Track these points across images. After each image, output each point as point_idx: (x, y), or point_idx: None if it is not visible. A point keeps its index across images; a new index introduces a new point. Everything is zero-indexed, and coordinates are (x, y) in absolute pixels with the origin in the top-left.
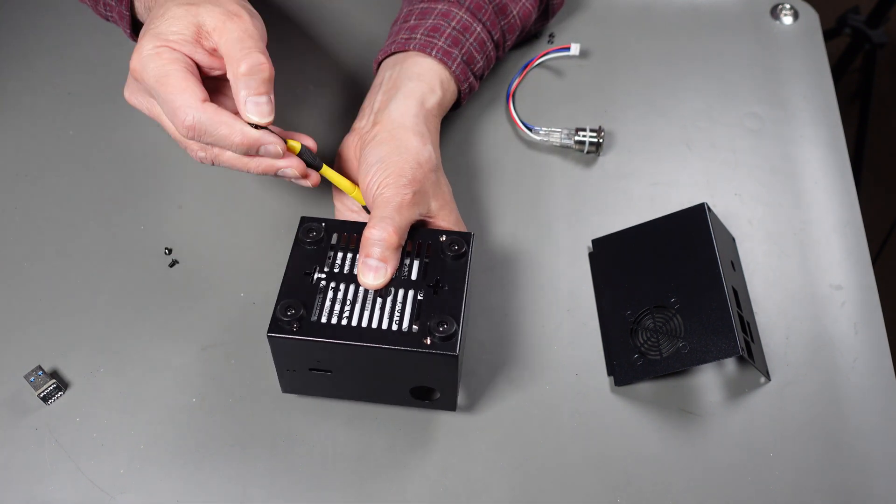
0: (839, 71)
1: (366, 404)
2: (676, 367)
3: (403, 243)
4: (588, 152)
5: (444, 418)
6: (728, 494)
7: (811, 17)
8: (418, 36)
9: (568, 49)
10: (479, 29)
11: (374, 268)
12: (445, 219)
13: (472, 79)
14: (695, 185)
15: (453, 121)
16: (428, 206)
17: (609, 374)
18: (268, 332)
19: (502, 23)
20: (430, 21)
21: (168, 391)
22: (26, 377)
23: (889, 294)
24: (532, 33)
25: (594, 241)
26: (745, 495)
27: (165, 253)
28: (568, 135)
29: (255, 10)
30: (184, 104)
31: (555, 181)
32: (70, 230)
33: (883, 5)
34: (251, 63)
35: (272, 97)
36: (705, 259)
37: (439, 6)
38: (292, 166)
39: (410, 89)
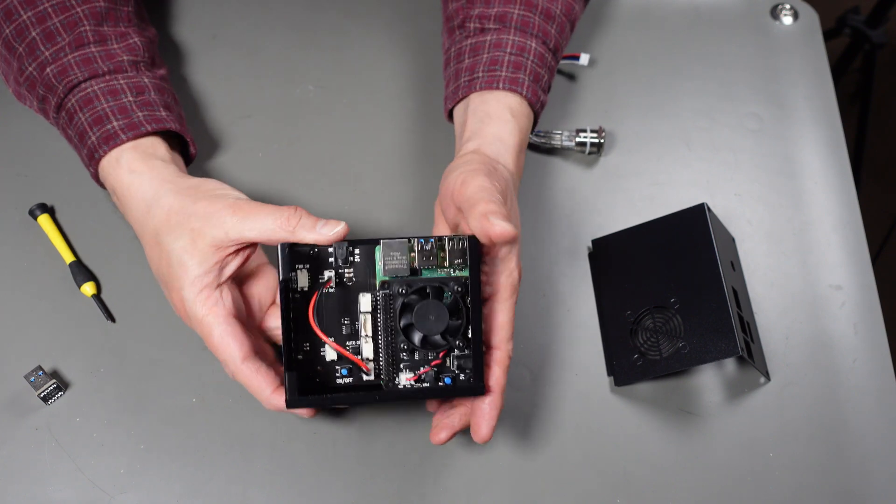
0: (839, 71)
1: (365, 404)
2: (676, 367)
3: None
4: (589, 153)
5: None
6: (728, 494)
7: (811, 17)
8: (480, 74)
9: (577, 59)
10: (533, 44)
11: None
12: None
13: (542, 96)
14: (695, 185)
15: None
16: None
17: (609, 374)
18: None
19: (552, 28)
20: (486, 55)
21: (168, 391)
22: (26, 377)
23: (889, 294)
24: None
25: (594, 241)
26: (745, 495)
27: None
28: (569, 136)
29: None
30: (226, 359)
31: (555, 181)
32: (70, 230)
33: (883, 5)
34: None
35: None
36: (705, 259)
37: (488, 37)
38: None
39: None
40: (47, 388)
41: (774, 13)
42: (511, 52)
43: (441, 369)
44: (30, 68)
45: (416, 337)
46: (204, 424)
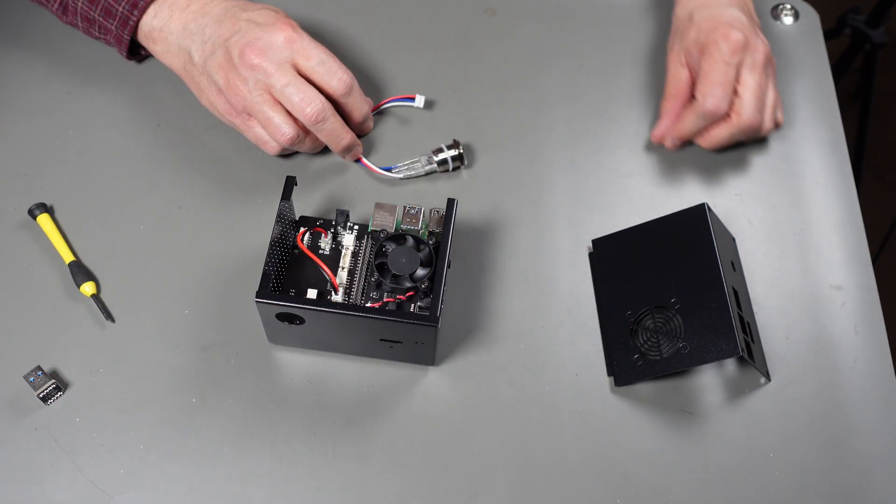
0: (839, 71)
1: (366, 405)
2: (676, 367)
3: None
4: (454, 169)
5: (444, 417)
6: (728, 494)
7: (811, 17)
8: None
9: (412, 100)
10: None
11: None
12: None
13: None
14: (695, 185)
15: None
16: None
17: (609, 374)
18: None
19: None
20: None
21: (168, 391)
22: (26, 377)
23: (889, 294)
24: None
25: (594, 241)
26: (745, 495)
27: None
28: (428, 160)
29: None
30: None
31: (555, 181)
32: (69, 230)
33: (883, 5)
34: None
35: None
36: (705, 259)
37: None
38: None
39: None
40: (46, 389)
41: (775, 13)
42: None
43: (402, 306)
44: None
45: (388, 275)
46: (204, 424)
